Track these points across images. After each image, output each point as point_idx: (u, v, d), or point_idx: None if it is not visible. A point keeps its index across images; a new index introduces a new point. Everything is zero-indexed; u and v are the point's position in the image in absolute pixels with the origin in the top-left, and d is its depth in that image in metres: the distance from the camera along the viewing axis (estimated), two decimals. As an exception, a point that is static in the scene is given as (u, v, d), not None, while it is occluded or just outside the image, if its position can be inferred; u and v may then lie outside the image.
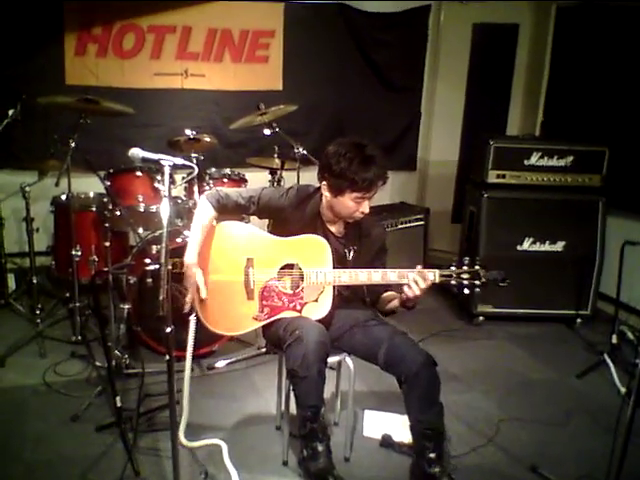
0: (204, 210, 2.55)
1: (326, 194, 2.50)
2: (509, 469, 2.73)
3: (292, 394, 2.45)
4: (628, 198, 4.39)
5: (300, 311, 2.53)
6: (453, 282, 2.42)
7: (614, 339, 3.77)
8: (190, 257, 2.48)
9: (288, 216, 2.57)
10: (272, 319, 2.54)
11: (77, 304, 3.65)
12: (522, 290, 4.16)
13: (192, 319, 2.55)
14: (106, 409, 2.96)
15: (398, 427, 2.91)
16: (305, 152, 3.93)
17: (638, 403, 2.18)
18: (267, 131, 4.03)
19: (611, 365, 3.67)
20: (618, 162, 4.26)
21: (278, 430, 2.91)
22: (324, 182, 2.48)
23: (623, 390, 3.38)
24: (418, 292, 2.38)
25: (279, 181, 4.19)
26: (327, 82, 5.31)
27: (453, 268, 2.43)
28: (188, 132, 3.80)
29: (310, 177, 2.87)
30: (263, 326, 2.59)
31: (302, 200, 2.58)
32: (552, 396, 3.42)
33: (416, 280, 2.37)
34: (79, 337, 3.66)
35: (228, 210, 2.59)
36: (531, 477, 2.66)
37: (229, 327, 2.61)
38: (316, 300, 2.52)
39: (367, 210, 2.48)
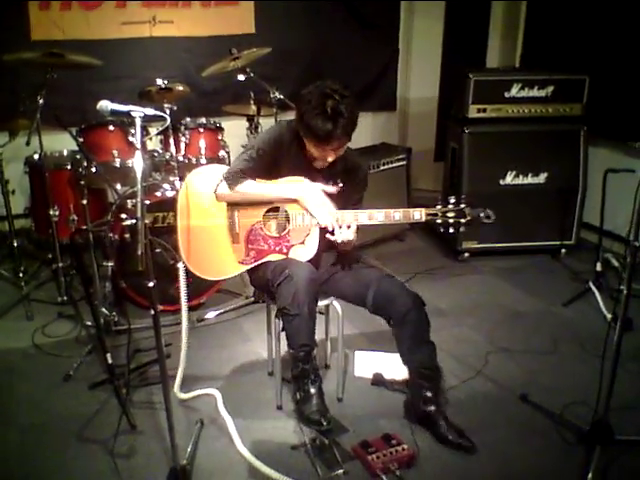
0: (245, 187, 2.47)
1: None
2: (499, 399, 2.78)
3: (283, 336, 2.46)
4: (609, 126, 4.35)
5: (286, 254, 2.52)
6: (439, 221, 2.42)
7: (598, 267, 3.80)
8: (292, 189, 2.45)
9: (284, 150, 2.49)
10: (258, 262, 2.54)
11: (60, 265, 3.62)
12: (506, 224, 4.15)
13: (180, 266, 2.52)
14: (97, 367, 2.96)
15: (388, 365, 2.94)
16: (282, 97, 3.85)
17: (624, 328, 2.22)
18: (241, 77, 3.93)
19: (596, 292, 3.72)
20: (598, 90, 4.22)
21: (270, 376, 2.94)
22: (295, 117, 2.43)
23: (609, 316, 3.43)
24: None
25: (256, 128, 4.11)
26: (301, 22, 5.15)
27: (439, 207, 2.42)
28: (159, 82, 3.68)
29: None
30: (250, 271, 2.59)
31: (295, 134, 2.47)
32: (540, 326, 3.47)
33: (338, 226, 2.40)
34: (65, 297, 3.64)
35: (255, 176, 2.51)
36: (521, 406, 2.72)
37: (215, 272, 2.61)
38: (302, 242, 2.51)
39: (331, 159, 2.43)
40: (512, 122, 4.22)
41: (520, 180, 4.27)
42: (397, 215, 2.42)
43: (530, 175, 4.27)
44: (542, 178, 4.28)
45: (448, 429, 2.45)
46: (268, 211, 2.53)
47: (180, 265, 2.52)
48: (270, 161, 2.50)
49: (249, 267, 2.55)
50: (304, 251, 2.51)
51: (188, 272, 2.55)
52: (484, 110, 4.20)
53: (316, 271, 2.47)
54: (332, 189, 2.46)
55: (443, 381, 2.77)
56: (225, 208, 2.53)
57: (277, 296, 2.40)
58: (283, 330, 2.45)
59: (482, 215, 2.41)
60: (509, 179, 4.27)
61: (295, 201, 2.47)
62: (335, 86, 2.36)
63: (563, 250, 4.40)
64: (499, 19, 5.53)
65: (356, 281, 2.58)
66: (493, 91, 4.18)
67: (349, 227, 2.41)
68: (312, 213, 2.45)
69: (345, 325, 2.72)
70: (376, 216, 2.44)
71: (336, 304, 2.65)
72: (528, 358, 3.12)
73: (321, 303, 2.56)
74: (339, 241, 2.41)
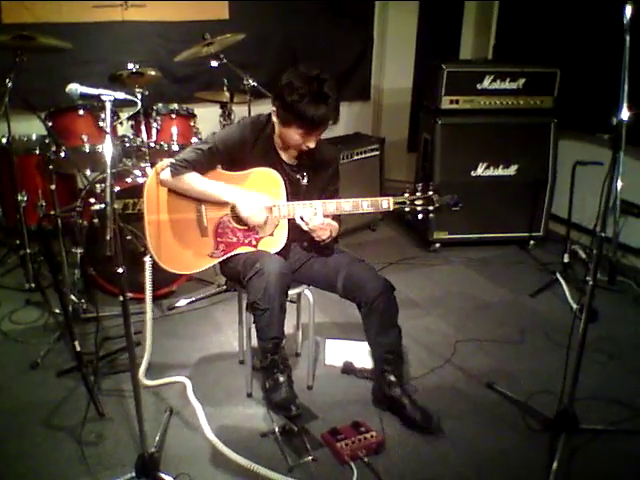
0: (188, 179, 2.43)
1: (275, 120, 2.44)
2: (466, 387, 2.83)
3: (254, 326, 2.46)
4: (579, 119, 4.41)
5: (256, 246, 2.52)
6: (407, 209, 2.43)
7: (566, 258, 3.88)
8: (231, 193, 2.45)
9: (247, 150, 2.49)
10: (228, 255, 2.53)
11: (28, 251, 3.56)
12: (476, 215, 4.22)
13: (147, 260, 2.51)
14: (66, 355, 2.93)
15: (359, 354, 2.96)
16: (255, 84, 3.82)
17: (590, 319, 2.26)
18: (214, 63, 3.89)
19: (563, 283, 3.79)
20: (569, 83, 4.27)
21: (241, 364, 2.94)
22: (274, 108, 2.42)
23: (575, 307, 3.49)
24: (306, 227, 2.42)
25: (229, 114, 4.09)
26: (276, 9, 5.08)
27: (407, 195, 2.44)
28: (131, 66, 3.63)
29: (262, 110, 2.78)
30: (221, 263, 2.58)
31: (259, 132, 2.50)
32: (507, 316, 3.52)
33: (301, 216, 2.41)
34: (33, 284, 3.58)
35: (202, 171, 2.48)
36: (488, 393, 2.76)
37: (185, 266, 2.58)
38: (271, 234, 2.51)
39: (313, 145, 2.44)
40: (484, 114, 4.26)
41: (491, 172, 4.32)
42: (365, 204, 2.43)
43: (501, 167, 4.32)
44: (512, 170, 4.33)
45: (414, 410, 2.49)
46: None
47: (147, 258, 2.50)
48: (227, 160, 2.50)
49: (219, 260, 2.54)
50: (273, 243, 2.51)
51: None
52: (457, 101, 4.22)
53: (287, 264, 2.47)
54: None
55: (406, 365, 2.81)
56: (192, 201, 2.50)
57: (248, 290, 2.40)
58: (254, 322, 2.44)
59: (450, 202, 2.43)
60: (480, 170, 4.31)
61: (230, 204, 2.48)
62: (312, 71, 2.35)
63: (532, 241, 4.47)
64: (473, 11, 5.57)
65: (326, 266, 2.59)
66: (466, 83, 4.21)
67: (316, 214, 2.41)
68: (243, 217, 2.46)
69: (316, 313, 2.73)
70: (344, 206, 2.44)
71: (308, 293, 2.65)
72: (496, 347, 3.17)
73: (292, 292, 2.56)
74: (314, 231, 2.43)
